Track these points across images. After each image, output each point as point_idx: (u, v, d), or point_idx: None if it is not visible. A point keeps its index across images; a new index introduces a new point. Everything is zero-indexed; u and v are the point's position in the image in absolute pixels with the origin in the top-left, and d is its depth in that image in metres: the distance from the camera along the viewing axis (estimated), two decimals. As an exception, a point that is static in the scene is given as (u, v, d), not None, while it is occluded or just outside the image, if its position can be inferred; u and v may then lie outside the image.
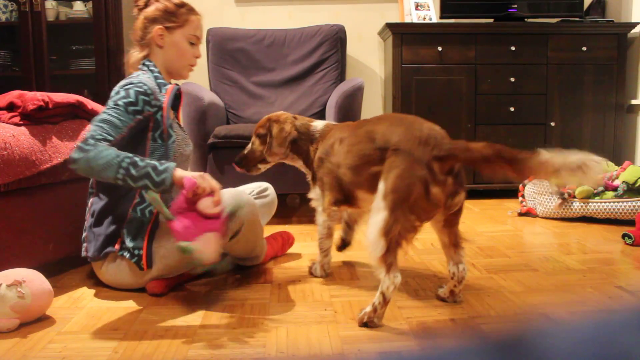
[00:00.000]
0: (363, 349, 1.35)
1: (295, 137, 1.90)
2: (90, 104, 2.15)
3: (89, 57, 3.39)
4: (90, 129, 1.59)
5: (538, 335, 0.29)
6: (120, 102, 1.65)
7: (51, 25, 3.33)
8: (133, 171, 1.51)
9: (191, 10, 1.85)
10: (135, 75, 1.77)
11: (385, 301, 1.47)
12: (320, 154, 1.81)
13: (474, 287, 1.79)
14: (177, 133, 1.83)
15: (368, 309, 1.48)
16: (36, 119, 1.91)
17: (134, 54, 1.87)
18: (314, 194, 1.87)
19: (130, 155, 1.54)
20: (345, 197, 1.75)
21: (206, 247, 1.44)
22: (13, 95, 1.92)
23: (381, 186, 1.49)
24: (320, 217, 1.85)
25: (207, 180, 1.52)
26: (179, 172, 1.54)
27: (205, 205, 1.48)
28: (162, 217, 1.56)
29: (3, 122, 1.84)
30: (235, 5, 3.78)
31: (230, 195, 1.73)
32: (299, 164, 1.97)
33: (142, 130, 1.72)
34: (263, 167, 2.00)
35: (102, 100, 3.21)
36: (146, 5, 1.83)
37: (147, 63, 1.82)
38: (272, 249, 2.12)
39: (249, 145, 1.98)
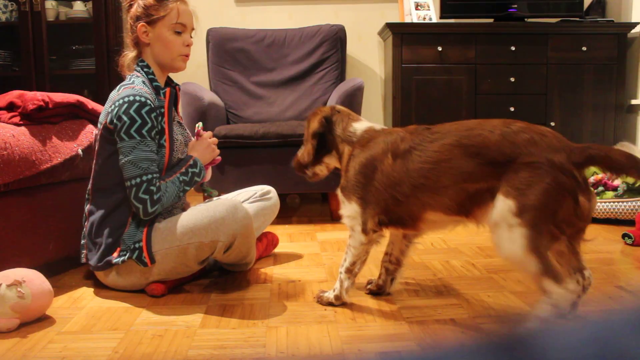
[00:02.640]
0: (363, 349, 1.35)
1: (319, 131, 1.66)
2: (90, 104, 2.15)
3: (89, 57, 3.39)
4: (140, 172, 1.69)
5: (538, 335, 0.29)
6: (144, 132, 1.69)
7: (51, 25, 3.33)
8: (187, 188, 1.81)
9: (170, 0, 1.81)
10: (130, 80, 1.78)
11: (558, 311, 1.31)
12: (361, 167, 1.54)
13: (474, 287, 1.79)
14: (177, 138, 1.84)
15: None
16: (36, 119, 1.91)
17: (127, 55, 1.88)
18: (349, 210, 1.58)
19: (180, 178, 1.78)
20: (398, 218, 1.53)
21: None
22: (13, 95, 1.92)
23: (506, 203, 1.31)
24: (359, 238, 1.57)
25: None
26: (193, 153, 1.87)
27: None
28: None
29: (3, 122, 1.84)
30: (235, 5, 3.78)
31: (223, 216, 1.70)
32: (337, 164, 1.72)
33: None
34: (319, 172, 1.76)
35: (102, 100, 3.21)
36: (130, 6, 1.83)
37: (140, 64, 1.82)
38: (256, 251, 2.10)
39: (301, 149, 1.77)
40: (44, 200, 1.90)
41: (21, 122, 1.86)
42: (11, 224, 1.76)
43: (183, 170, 1.80)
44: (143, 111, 1.68)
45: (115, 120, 1.69)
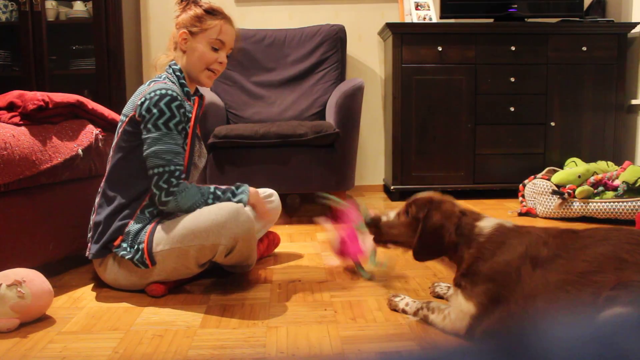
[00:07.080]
0: (363, 349, 1.35)
1: (453, 242, 1.44)
2: (91, 104, 2.15)
3: (89, 57, 3.39)
4: (163, 163, 1.70)
5: (538, 335, 0.29)
6: (171, 125, 1.71)
7: (51, 25, 3.33)
8: (217, 203, 1.77)
9: (217, 15, 1.85)
10: (161, 78, 1.80)
11: None
12: (494, 274, 1.32)
13: (474, 287, 1.79)
14: (195, 145, 1.87)
15: None
16: (36, 119, 1.91)
17: (162, 57, 1.92)
18: (463, 306, 1.36)
19: (212, 189, 1.79)
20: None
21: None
22: (13, 95, 1.92)
23: None
24: (456, 328, 1.38)
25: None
26: (253, 191, 1.89)
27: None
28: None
29: (3, 122, 1.84)
30: (235, 5, 3.78)
31: (225, 220, 1.69)
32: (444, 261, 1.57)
33: None
34: (393, 247, 1.61)
35: (102, 100, 3.21)
36: (182, 11, 1.87)
37: (173, 66, 1.85)
38: (257, 251, 2.10)
39: (390, 214, 1.59)
40: (44, 200, 1.90)
41: (21, 122, 1.86)
42: (11, 224, 1.76)
43: (224, 187, 1.84)
44: (173, 105, 1.71)
45: (144, 112, 1.71)
